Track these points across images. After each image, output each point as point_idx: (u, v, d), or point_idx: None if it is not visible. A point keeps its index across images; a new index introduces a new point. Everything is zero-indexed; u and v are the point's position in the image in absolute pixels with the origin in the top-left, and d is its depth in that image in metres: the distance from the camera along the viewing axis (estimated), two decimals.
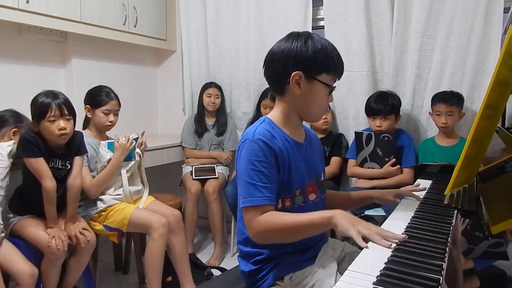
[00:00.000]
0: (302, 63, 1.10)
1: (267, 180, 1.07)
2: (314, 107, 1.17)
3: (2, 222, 1.69)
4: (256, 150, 1.07)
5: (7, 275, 1.67)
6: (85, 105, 2.08)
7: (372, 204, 1.94)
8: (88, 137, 2.04)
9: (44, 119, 1.70)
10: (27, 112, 1.77)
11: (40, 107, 1.70)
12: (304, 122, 1.27)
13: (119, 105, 2.13)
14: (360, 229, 0.97)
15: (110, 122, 2.08)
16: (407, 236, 0.97)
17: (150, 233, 1.96)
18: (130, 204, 2.05)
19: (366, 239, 0.96)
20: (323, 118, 2.49)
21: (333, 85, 1.15)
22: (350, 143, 2.53)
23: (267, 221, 1.05)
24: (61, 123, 1.72)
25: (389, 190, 1.38)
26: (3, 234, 1.68)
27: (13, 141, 1.78)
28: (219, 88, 2.96)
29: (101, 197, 2.00)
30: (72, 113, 1.78)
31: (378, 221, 1.88)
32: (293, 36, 1.14)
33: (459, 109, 2.21)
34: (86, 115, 2.10)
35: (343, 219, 1.00)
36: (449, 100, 2.19)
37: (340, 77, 1.17)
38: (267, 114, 1.23)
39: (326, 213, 1.04)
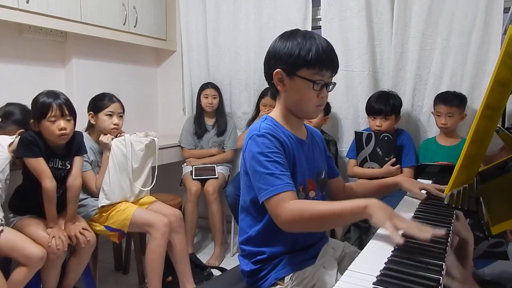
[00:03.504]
0: (280, 61, 1.11)
1: (283, 168, 1.06)
2: (302, 103, 1.15)
3: (3, 213, 1.70)
4: (267, 143, 1.08)
5: (8, 261, 1.66)
6: (88, 112, 2.06)
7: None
8: (89, 141, 2.04)
9: (44, 119, 1.70)
10: None
11: (40, 107, 1.70)
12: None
13: (122, 108, 2.10)
14: (397, 222, 0.91)
15: (114, 124, 2.02)
16: (445, 231, 0.92)
17: (152, 233, 1.95)
18: (132, 204, 2.05)
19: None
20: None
21: (321, 80, 1.10)
22: (349, 143, 2.53)
23: (296, 209, 1.01)
24: (62, 123, 1.72)
25: (415, 181, 1.33)
26: (1, 227, 1.66)
27: (15, 136, 1.77)
28: (216, 88, 2.94)
29: (105, 189, 1.97)
30: (73, 113, 1.78)
31: None
32: (280, 35, 1.15)
33: (460, 110, 2.20)
34: (89, 121, 2.08)
35: (378, 210, 0.93)
36: (449, 101, 2.19)
37: (332, 70, 1.13)
38: (266, 112, 1.22)
39: (360, 202, 0.97)
